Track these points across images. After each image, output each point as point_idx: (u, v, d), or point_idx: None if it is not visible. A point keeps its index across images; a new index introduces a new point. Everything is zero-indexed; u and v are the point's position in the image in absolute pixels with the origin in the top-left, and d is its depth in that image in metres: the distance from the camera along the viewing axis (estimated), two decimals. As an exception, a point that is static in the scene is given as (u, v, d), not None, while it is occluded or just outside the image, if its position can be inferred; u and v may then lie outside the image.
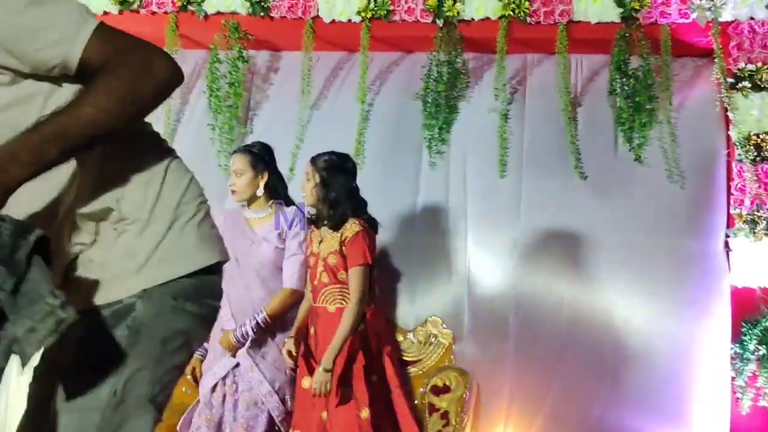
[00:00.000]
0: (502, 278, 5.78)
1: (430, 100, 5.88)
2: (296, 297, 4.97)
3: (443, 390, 5.33)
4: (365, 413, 4.66)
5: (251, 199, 5.04)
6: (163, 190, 2.13)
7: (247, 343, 4.88)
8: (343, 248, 4.80)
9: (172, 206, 2.14)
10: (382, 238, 5.65)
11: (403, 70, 6.15)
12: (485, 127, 5.85)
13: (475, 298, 5.75)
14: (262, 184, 5.02)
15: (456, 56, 5.89)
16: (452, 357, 5.64)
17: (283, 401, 4.89)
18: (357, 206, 4.95)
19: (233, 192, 5.03)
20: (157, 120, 5.87)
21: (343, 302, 4.80)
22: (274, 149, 5.22)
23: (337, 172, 4.93)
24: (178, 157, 2.24)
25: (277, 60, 6.32)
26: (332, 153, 5.02)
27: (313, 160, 4.98)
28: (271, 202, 5.04)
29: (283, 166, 5.46)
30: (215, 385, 4.97)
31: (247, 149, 5.08)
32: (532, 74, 6.06)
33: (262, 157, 5.05)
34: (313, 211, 4.98)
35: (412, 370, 5.60)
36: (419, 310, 5.77)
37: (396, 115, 6.05)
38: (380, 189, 5.82)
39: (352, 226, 4.82)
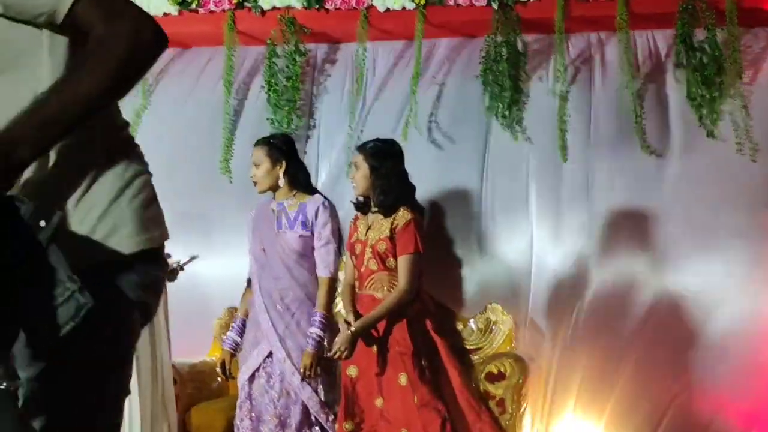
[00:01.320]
0: (569, 262, 5.91)
1: (491, 80, 6.06)
2: (334, 284, 5.17)
3: (498, 377, 5.45)
4: (415, 399, 4.82)
5: (275, 190, 5.26)
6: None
7: (279, 332, 5.12)
8: (394, 235, 4.97)
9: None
10: (444, 223, 5.90)
11: (464, 56, 6.36)
12: (552, 109, 6.02)
13: (540, 283, 5.91)
14: (281, 173, 5.22)
15: (514, 38, 6.09)
16: (513, 344, 5.78)
17: (316, 391, 5.07)
18: (407, 192, 5.14)
19: (254, 183, 5.25)
20: (216, 116, 6.33)
21: (390, 289, 4.98)
22: (294, 140, 5.49)
23: (385, 158, 5.10)
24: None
25: (335, 52, 6.62)
26: (379, 140, 5.21)
27: (360, 148, 5.18)
28: (294, 191, 5.25)
29: (343, 158, 5.69)
30: (252, 377, 5.18)
31: (265, 140, 5.30)
32: (598, 53, 6.20)
33: (279, 147, 5.26)
34: (361, 198, 5.18)
35: (474, 358, 5.77)
36: (480, 296, 5.93)
37: (459, 100, 6.25)
38: (443, 173, 6.06)
39: (404, 214, 4.99)
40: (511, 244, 6.01)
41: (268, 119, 6.38)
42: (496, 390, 5.44)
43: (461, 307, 5.94)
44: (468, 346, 5.81)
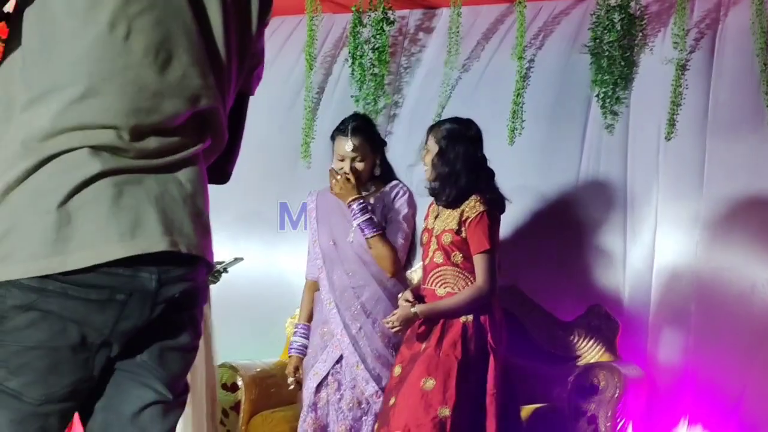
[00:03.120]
0: (680, 259, 5.72)
1: (600, 52, 5.89)
2: (395, 263, 5.06)
3: (590, 391, 5.30)
4: (445, 412, 4.66)
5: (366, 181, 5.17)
6: None
7: (352, 334, 5.04)
8: (463, 228, 4.82)
9: None
10: (539, 215, 5.78)
11: (570, 21, 6.23)
12: (662, 81, 5.84)
13: (646, 283, 5.75)
14: (378, 162, 5.15)
15: (629, 0, 5.88)
16: (618, 352, 5.62)
17: None
18: (480, 179, 4.93)
19: (353, 178, 5.06)
20: (297, 95, 6.31)
21: (455, 287, 4.84)
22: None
23: (457, 141, 4.92)
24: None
25: (430, 19, 6.54)
26: (454, 119, 5.06)
27: (432, 129, 5.04)
28: (371, 180, 5.15)
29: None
30: (319, 385, 5.11)
31: (360, 129, 5.13)
32: (727, 15, 5.94)
33: (375, 133, 5.19)
34: (433, 184, 5.02)
35: (571, 367, 5.60)
36: (579, 298, 5.79)
37: (561, 72, 6.13)
38: (538, 158, 5.93)
39: (475, 205, 4.81)
40: (611, 237, 5.84)
41: (352, 97, 6.36)
42: (588, 405, 5.28)
43: (557, 310, 5.80)
44: (565, 354, 5.70)
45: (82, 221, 2.05)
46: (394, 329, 4.75)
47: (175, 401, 2.26)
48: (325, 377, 5.08)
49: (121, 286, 2.09)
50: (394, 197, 5.08)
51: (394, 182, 5.15)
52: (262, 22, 2.35)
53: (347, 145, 5.03)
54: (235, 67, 2.28)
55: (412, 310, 4.73)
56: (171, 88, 2.13)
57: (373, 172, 5.12)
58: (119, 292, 2.09)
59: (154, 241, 2.10)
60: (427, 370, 4.72)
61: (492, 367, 4.74)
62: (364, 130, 5.10)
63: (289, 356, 5.32)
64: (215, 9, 2.19)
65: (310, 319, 5.29)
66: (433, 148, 4.92)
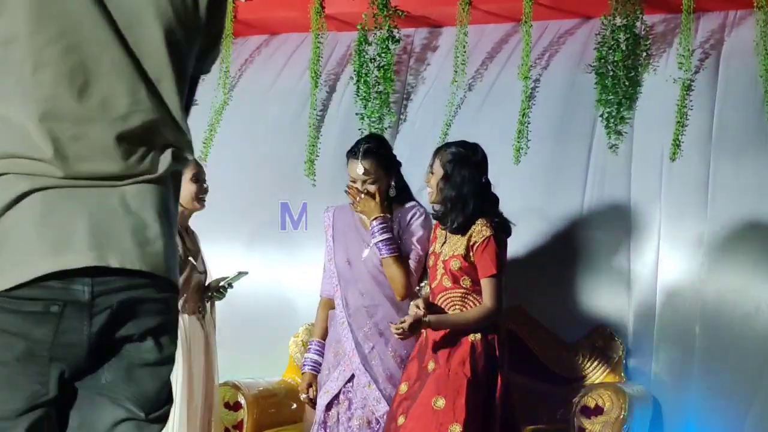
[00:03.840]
0: (684, 280, 5.84)
1: (605, 72, 6.04)
2: (407, 286, 5.18)
3: (595, 411, 5.39)
4: (456, 429, 4.79)
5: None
6: None
7: (364, 353, 5.19)
8: (471, 254, 4.98)
9: None
10: (544, 235, 5.94)
11: (576, 40, 6.39)
12: (666, 101, 5.97)
13: (650, 304, 5.86)
14: (393, 184, 5.26)
15: (635, 19, 6.05)
16: (623, 373, 5.76)
17: None
18: (486, 204, 5.08)
19: (377, 196, 5.17)
20: (301, 111, 6.47)
21: (463, 309, 5.01)
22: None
23: (463, 166, 5.05)
24: None
25: (436, 37, 6.72)
26: (461, 143, 5.17)
27: (438, 152, 5.17)
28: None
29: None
30: (331, 403, 5.25)
31: (373, 152, 5.23)
32: (731, 35, 6.10)
33: (389, 156, 5.30)
34: (437, 207, 5.17)
35: (575, 388, 5.73)
36: (583, 318, 5.91)
37: (566, 92, 6.28)
38: (543, 178, 6.10)
39: (482, 230, 4.97)
40: (615, 258, 5.97)
41: (357, 114, 6.50)
42: (592, 426, 5.38)
43: (561, 330, 5.95)
44: (568, 375, 5.84)
45: (12, 240, 2.14)
46: (400, 335, 4.83)
47: (149, 419, 2.31)
48: (336, 395, 5.23)
49: (54, 298, 2.15)
50: (411, 219, 5.24)
51: (412, 203, 5.31)
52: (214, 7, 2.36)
53: (358, 168, 5.16)
54: (181, 67, 2.31)
55: (425, 319, 4.83)
56: (94, 112, 2.17)
57: (388, 194, 5.23)
58: (53, 304, 2.16)
59: (81, 257, 2.15)
60: (437, 389, 4.87)
61: (499, 387, 4.91)
62: (375, 153, 5.21)
63: (303, 373, 5.46)
64: (150, 16, 2.23)
65: (323, 335, 5.42)
66: (438, 171, 5.07)
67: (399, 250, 5.13)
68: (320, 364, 5.38)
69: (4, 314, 2.15)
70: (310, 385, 5.37)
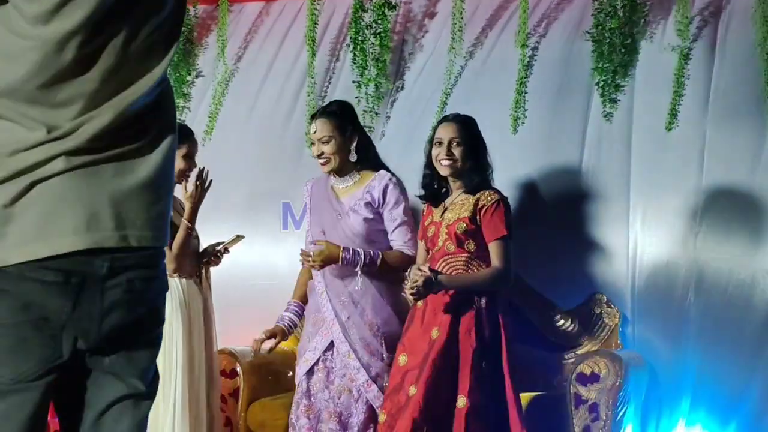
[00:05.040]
0: (679, 249, 6.04)
1: (602, 39, 6.26)
2: (410, 261, 5.43)
3: (591, 378, 5.57)
4: (462, 402, 5.00)
5: (340, 167, 5.54)
6: None
7: (342, 322, 5.44)
8: (478, 217, 5.20)
9: None
10: (541, 204, 6.18)
11: (573, 7, 6.61)
12: (663, 70, 6.17)
13: (645, 272, 6.08)
14: (353, 148, 5.50)
15: (633, -14, 6.25)
16: (619, 341, 5.98)
17: (382, 390, 5.34)
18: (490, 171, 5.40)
19: (324, 163, 5.50)
20: (301, 84, 6.86)
21: (466, 273, 5.22)
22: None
23: (473, 130, 5.36)
24: None
25: (434, 3, 6.94)
26: (461, 115, 5.44)
27: (451, 120, 5.40)
28: (358, 167, 5.54)
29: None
30: (311, 370, 5.52)
31: (328, 112, 5.53)
32: (729, 3, 6.30)
33: (347, 118, 5.54)
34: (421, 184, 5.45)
35: (567, 356, 6.05)
36: (580, 286, 6.13)
37: (564, 60, 6.48)
38: (541, 147, 6.32)
39: (490, 194, 5.23)
40: (612, 226, 6.17)
41: (354, 82, 6.70)
42: (589, 393, 5.54)
43: (558, 298, 6.15)
44: (565, 342, 6.08)
45: (39, 210, 2.31)
46: (414, 292, 4.97)
47: (146, 392, 2.52)
48: (316, 363, 5.47)
49: (75, 271, 2.34)
50: (385, 190, 5.46)
51: (382, 173, 5.52)
52: None
53: (312, 127, 5.50)
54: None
55: (434, 277, 5.00)
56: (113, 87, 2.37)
57: (348, 158, 5.49)
58: (74, 276, 2.34)
59: (106, 236, 2.35)
60: (441, 359, 5.05)
61: (505, 355, 5.09)
62: (334, 115, 5.50)
63: (277, 325, 5.64)
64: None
65: (302, 298, 5.67)
66: (452, 137, 5.28)
67: (377, 253, 5.40)
68: (294, 324, 5.66)
69: (25, 282, 2.32)
70: (274, 336, 5.58)
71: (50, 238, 2.32)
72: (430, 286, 4.99)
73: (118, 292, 2.41)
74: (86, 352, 2.43)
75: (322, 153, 5.48)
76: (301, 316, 5.68)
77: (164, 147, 2.48)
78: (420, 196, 5.46)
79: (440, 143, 5.30)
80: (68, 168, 2.33)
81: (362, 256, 5.36)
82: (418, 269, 5.05)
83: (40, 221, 2.32)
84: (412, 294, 5.01)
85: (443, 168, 5.29)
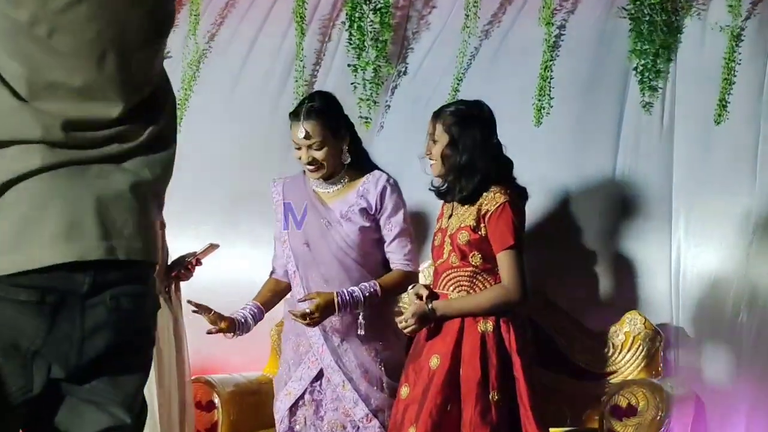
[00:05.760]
0: (729, 261, 5.75)
1: (640, 17, 5.95)
2: (411, 280, 5.15)
3: (628, 412, 5.29)
4: None
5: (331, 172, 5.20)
6: None
7: (334, 347, 5.11)
8: (482, 225, 4.86)
9: None
10: (567, 208, 5.86)
11: None
12: (709, 54, 5.89)
13: (690, 287, 5.77)
14: (345, 149, 5.15)
15: (674, -44, 5.97)
16: (660, 367, 5.67)
17: (384, 426, 5.02)
18: (498, 170, 4.98)
19: (315, 170, 5.12)
20: (290, 68, 6.34)
21: (471, 291, 4.90)
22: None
23: (470, 126, 4.95)
24: None
25: (444, -25, 6.63)
26: (461, 102, 5.14)
27: (438, 115, 5.06)
28: (345, 168, 5.17)
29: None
30: (295, 405, 5.16)
31: (317, 111, 5.14)
32: None
33: (337, 115, 5.19)
34: (438, 182, 5.09)
35: (604, 384, 5.69)
36: (613, 304, 5.85)
37: (596, 41, 6.19)
38: (568, 143, 6.04)
39: (494, 196, 4.86)
40: (651, 235, 5.88)
41: (349, 66, 6.43)
42: (625, 429, 5.26)
43: (587, 317, 5.86)
44: (596, 370, 5.75)
45: (14, 218, 2.22)
46: (408, 329, 4.81)
47: (132, 425, 2.40)
48: (301, 396, 5.14)
49: (52, 288, 2.23)
50: (383, 194, 5.12)
51: (377, 173, 5.18)
52: None
53: (299, 131, 5.08)
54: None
55: (428, 306, 4.80)
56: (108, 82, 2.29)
57: (340, 160, 5.14)
58: (50, 294, 2.23)
59: (90, 248, 2.26)
60: (442, 392, 4.77)
61: (522, 382, 4.78)
62: (320, 113, 5.13)
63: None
64: None
65: (264, 303, 5.28)
66: (443, 137, 4.96)
67: (374, 287, 5.05)
68: (248, 326, 5.20)
69: None
70: (221, 320, 5.08)
71: (24, 251, 2.23)
72: (424, 320, 4.83)
73: (101, 312, 2.31)
74: (62, 380, 2.32)
75: (313, 160, 5.09)
76: (258, 319, 5.26)
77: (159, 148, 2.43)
78: (432, 189, 5.12)
79: (427, 137, 5.05)
80: (47, 166, 2.26)
81: (360, 295, 5.00)
82: (416, 295, 4.87)
83: (11, 230, 2.24)
84: (405, 330, 4.84)
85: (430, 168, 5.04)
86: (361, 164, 5.22)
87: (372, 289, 5.03)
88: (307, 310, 4.95)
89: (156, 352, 5.09)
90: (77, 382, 2.33)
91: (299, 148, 5.12)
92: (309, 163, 5.10)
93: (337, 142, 5.11)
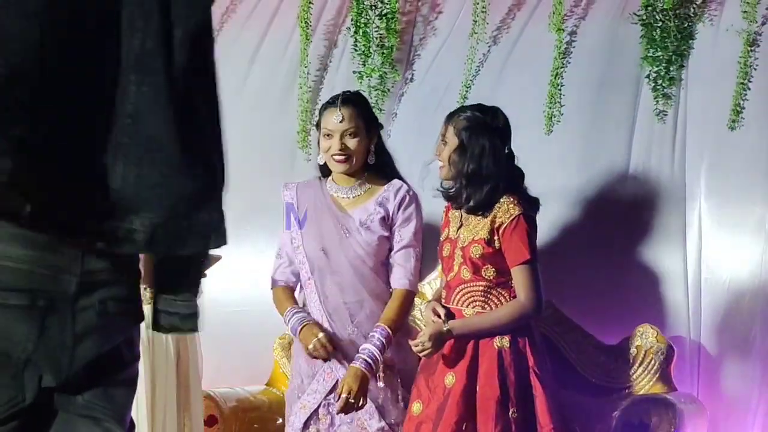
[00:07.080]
0: (743, 272, 5.78)
1: (653, 23, 5.98)
2: (411, 300, 5.19)
3: (639, 429, 5.32)
4: None
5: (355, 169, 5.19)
6: None
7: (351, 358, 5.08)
8: (496, 238, 4.89)
9: None
10: (578, 218, 5.89)
11: None
12: (723, 59, 5.92)
13: (706, 299, 5.82)
14: (372, 149, 5.18)
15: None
16: (674, 383, 5.67)
17: None
18: (510, 180, 5.01)
19: (342, 161, 5.11)
20: (294, 74, 6.52)
21: (486, 306, 4.94)
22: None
23: (481, 134, 4.97)
24: None
25: (452, -21, 6.65)
26: (478, 107, 5.11)
27: (451, 118, 5.09)
28: (365, 174, 5.19)
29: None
30: (308, 420, 5.17)
31: (354, 100, 5.20)
32: None
33: (372, 113, 5.25)
34: (447, 184, 5.12)
35: (616, 400, 5.66)
36: (626, 317, 5.84)
37: (607, 47, 6.21)
38: (579, 151, 6.07)
39: (509, 208, 4.89)
40: (665, 245, 5.92)
41: (354, 72, 6.49)
42: None
43: (599, 331, 5.86)
44: (607, 384, 5.76)
45: None
46: (425, 352, 4.80)
47: None
48: (315, 410, 5.14)
49: (41, 290, 2.20)
50: (401, 205, 5.14)
51: (397, 182, 5.20)
52: None
53: (336, 116, 5.09)
54: None
55: (445, 327, 4.82)
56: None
57: (366, 159, 5.16)
58: (40, 297, 2.20)
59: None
60: (458, 411, 4.81)
61: (542, 399, 4.83)
62: (357, 102, 5.19)
63: (301, 329, 5.10)
64: None
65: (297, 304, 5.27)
66: (452, 141, 4.99)
67: (389, 328, 4.99)
68: (310, 315, 5.15)
69: None
70: (321, 329, 5.06)
71: None
72: (440, 342, 4.85)
73: (91, 316, 2.28)
74: (54, 389, 2.31)
75: (345, 148, 5.08)
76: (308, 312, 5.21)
77: None
78: (440, 190, 5.14)
79: (439, 139, 5.11)
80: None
81: (374, 349, 4.95)
82: (433, 312, 4.91)
83: None
84: (419, 353, 4.85)
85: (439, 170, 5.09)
86: (384, 171, 5.22)
87: (383, 335, 4.96)
88: (345, 396, 4.87)
89: (149, 372, 5.20)
90: (70, 392, 2.33)
91: (329, 138, 5.11)
92: (340, 151, 5.08)
93: (368, 136, 5.13)
